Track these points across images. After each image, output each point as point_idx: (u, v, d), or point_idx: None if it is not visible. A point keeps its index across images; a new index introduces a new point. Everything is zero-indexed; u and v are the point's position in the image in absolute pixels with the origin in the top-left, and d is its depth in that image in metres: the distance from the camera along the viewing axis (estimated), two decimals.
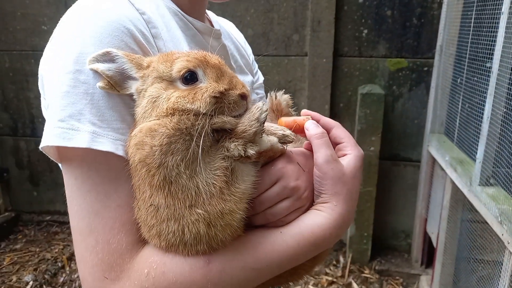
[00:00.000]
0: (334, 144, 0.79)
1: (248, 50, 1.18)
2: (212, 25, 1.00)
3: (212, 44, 0.91)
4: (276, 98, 0.87)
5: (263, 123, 0.64)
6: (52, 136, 0.65)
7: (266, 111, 0.64)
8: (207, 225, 0.62)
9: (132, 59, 0.66)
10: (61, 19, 0.72)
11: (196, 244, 0.63)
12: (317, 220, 0.71)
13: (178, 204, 0.61)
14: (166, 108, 0.62)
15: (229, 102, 0.64)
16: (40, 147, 0.67)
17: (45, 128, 0.67)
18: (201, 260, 0.65)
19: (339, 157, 0.76)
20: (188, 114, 0.62)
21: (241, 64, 1.04)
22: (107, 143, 0.64)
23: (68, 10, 0.72)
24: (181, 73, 0.64)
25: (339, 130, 0.79)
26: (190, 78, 0.64)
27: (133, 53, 0.68)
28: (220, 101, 0.63)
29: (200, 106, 0.62)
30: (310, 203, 0.74)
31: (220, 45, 0.95)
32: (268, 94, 0.90)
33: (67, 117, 0.64)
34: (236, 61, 1.02)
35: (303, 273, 0.82)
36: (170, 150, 0.60)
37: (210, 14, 1.05)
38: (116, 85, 0.66)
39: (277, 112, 0.88)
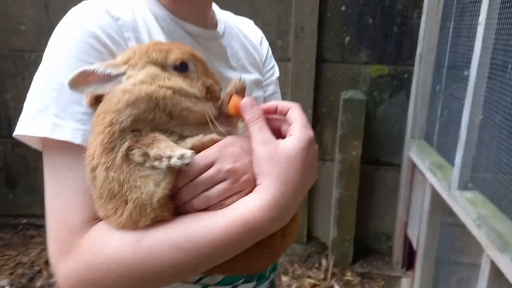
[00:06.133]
0: (288, 125, 0.76)
1: (264, 49, 1.18)
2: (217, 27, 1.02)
3: (208, 46, 0.95)
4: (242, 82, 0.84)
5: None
6: (21, 126, 0.75)
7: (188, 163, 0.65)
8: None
9: (108, 64, 0.72)
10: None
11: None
12: (249, 202, 0.69)
13: (106, 155, 0.66)
14: (170, 86, 0.70)
15: (213, 94, 0.75)
16: (13, 135, 0.77)
17: (19, 119, 0.77)
18: (132, 237, 0.69)
19: (286, 137, 0.74)
20: (170, 90, 0.70)
21: (244, 63, 1.05)
22: (65, 133, 0.72)
23: (59, 22, 0.82)
24: (177, 62, 0.72)
25: (292, 111, 0.76)
26: (182, 67, 0.73)
27: (97, 53, 0.77)
28: (208, 91, 0.74)
29: (195, 92, 0.72)
30: (252, 188, 0.72)
31: (218, 46, 0.97)
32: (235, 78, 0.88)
33: (35, 110, 0.74)
34: (238, 60, 1.03)
35: (264, 262, 0.81)
36: (132, 105, 0.66)
37: (223, 13, 1.09)
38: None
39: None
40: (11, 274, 3.07)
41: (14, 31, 3.30)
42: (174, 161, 0.62)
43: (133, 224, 0.68)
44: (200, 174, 0.69)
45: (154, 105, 0.67)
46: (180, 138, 0.71)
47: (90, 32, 0.77)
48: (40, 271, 3.13)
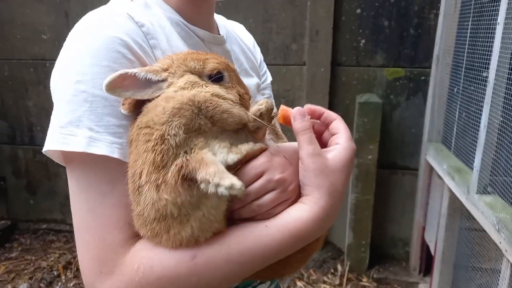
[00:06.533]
0: (332, 135, 0.79)
1: (257, 52, 1.20)
2: (219, 31, 1.02)
3: (216, 50, 0.93)
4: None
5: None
6: (52, 141, 0.70)
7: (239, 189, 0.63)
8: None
9: (149, 70, 0.71)
10: (69, 33, 0.78)
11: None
12: (300, 213, 0.71)
13: (157, 171, 0.63)
14: (208, 90, 0.70)
15: (244, 102, 0.76)
16: (43, 150, 0.73)
17: (48, 133, 0.72)
18: (187, 254, 0.68)
19: (330, 147, 0.77)
20: (209, 93, 0.69)
21: (246, 67, 1.07)
22: (102, 147, 0.69)
23: (76, 25, 0.78)
24: (213, 72, 0.73)
25: (338, 122, 0.80)
26: (217, 77, 0.73)
27: (129, 62, 0.74)
28: (241, 99, 0.74)
29: (231, 97, 0.71)
30: (297, 196, 0.74)
31: (224, 51, 0.98)
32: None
33: (67, 123, 0.69)
34: (241, 65, 1.05)
35: (297, 265, 0.84)
36: (179, 113, 0.65)
37: (219, 18, 1.08)
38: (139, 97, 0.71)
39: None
40: (30, 278, 3.14)
41: (35, 39, 3.39)
42: (221, 191, 0.60)
43: (194, 240, 0.67)
44: (251, 184, 0.70)
45: (198, 110, 0.66)
46: (233, 145, 0.71)
47: (120, 40, 0.73)
48: (59, 276, 3.19)
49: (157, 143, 0.63)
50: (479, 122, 1.90)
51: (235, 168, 0.69)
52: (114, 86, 0.66)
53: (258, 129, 0.75)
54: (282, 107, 0.79)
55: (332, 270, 3.15)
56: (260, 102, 0.74)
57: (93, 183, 0.71)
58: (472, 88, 2.18)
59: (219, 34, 1.00)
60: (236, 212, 0.71)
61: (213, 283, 0.70)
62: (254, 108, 0.73)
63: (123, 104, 0.72)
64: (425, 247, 2.95)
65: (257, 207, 0.71)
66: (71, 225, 3.79)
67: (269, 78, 1.22)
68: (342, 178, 0.74)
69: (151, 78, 0.69)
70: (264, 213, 0.71)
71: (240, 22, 1.19)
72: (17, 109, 3.60)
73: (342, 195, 0.75)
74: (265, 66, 1.22)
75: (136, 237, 0.71)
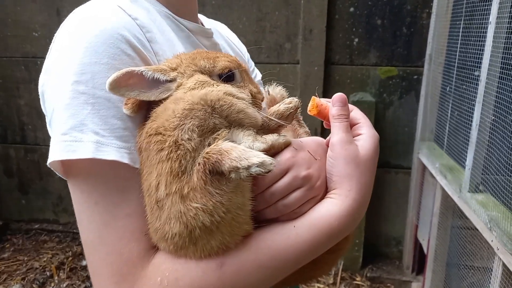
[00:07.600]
0: (351, 125, 0.77)
1: (243, 48, 1.18)
2: (203, 25, 1.01)
3: (204, 43, 0.91)
4: (269, 93, 0.85)
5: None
6: (57, 151, 0.63)
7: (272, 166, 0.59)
8: (210, 215, 0.59)
9: (156, 69, 0.66)
10: (56, 33, 0.73)
11: (207, 240, 0.62)
12: (331, 209, 0.68)
13: (178, 185, 0.59)
14: (220, 89, 0.66)
15: (257, 102, 0.72)
16: (47, 163, 0.66)
17: (50, 144, 0.67)
18: (213, 263, 0.64)
19: (354, 137, 0.74)
20: (221, 92, 0.65)
21: None
22: (111, 152, 0.63)
23: (63, 23, 0.73)
24: (225, 71, 0.69)
25: (356, 112, 0.78)
26: (228, 76, 0.70)
27: (129, 58, 0.68)
28: (253, 98, 0.71)
29: (244, 96, 0.68)
30: (324, 193, 0.70)
31: (212, 44, 0.95)
32: (263, 89, 0.89)
33: (70, 129, 0.63)
34: None
35: (327, 267, 0.81)
36: (190, 115, 0.60)
37: (202, 17, 1.05)
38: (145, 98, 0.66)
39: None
40: (22, 279, 3.11)
41: (26, 37, 3.36)
42: (255, 170, 0.56)
43: (225, 247, 0.64)
44: (275, 182, 0.66)
45: (211, 109, 0.62)
46: (257, 134, 0.67)
47: (118, 34, 0.67)
48: (51, 276, 3.16)
49: (171, 150, 0.59)
50: (471, 121, 1.91)
51: None
52: (118, 85, 0.61)
53: (279, 127, 0.72)
54: (314, 98, 0.77)
55: None
56: (288, 101, 0.72)
57: (103, 193, 0.65)
58: (464, 87, 2.19)
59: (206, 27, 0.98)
60: (261, 213, 0.67)
61: None
62: (282, 107, 0.71)
63: (125, 104, 0.66)
64: (418, 246, 2.96)
65: (283, 207, 0.67)
66: (63, 225, 3.78)
67: (258, 75, 1.20)
68: (371, 168, 0.72)
69: (158, 78, 0.65)
70: (290, 213, 0.68)
71: (234, 21, 1.19)
72: (8, 108, 3.56)
73: (371, 184, 0.72)
74: (253, 63, 1.21)
75: (154, 247, 0.67)
